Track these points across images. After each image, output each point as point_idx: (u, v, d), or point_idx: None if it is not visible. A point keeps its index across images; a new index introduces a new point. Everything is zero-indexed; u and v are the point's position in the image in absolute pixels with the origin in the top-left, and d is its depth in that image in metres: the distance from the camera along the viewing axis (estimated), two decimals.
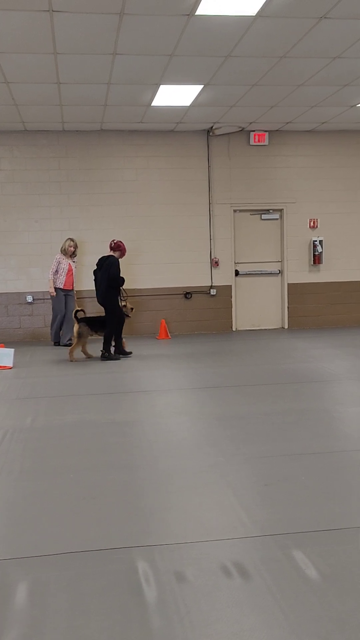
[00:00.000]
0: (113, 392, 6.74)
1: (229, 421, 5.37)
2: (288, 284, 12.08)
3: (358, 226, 12.16)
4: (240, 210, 11.89)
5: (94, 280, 9.26)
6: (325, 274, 12.12)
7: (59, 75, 8.05)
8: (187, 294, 11.74)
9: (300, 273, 12.09)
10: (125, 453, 4.58)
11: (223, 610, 2.49)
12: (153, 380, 7.35)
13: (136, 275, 11.32)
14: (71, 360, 8.82)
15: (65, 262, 10.52)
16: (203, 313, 11.82)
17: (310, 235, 12.03)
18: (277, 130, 11.69)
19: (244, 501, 3.59)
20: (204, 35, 6.83)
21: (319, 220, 12.02)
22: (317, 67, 8.03)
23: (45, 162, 11.17)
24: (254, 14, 6.30)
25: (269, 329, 12.09)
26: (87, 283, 11.39)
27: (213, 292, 11.80)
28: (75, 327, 8.93)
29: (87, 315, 9.24)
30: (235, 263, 11.93)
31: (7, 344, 10.36)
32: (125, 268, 10.11)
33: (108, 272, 8.88)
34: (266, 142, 11.65)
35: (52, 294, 10.44)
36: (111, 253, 9.18)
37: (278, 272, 12.14)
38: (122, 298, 9.25)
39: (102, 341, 8.97)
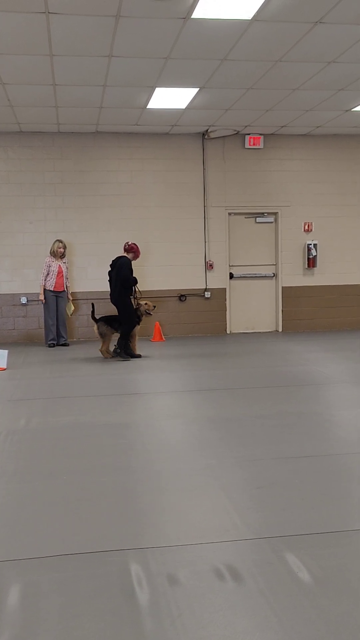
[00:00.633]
0: (107, 394, 6.73)
1: (222, 424, 5.37)
2: (282, 287, 12.11)
3: (352, 230, 12.20)
4: (235, 213, 11.91)
5: (109, 281, 9.34)
6: (319, 278, 12.16)
7: (55, 76, 8.05)
8: (182, 296, 11.75)
9: (294, 276, 12.12)
10: (119, 455, 4.57)
11: (216, 613, 2.49)
12: (147, 382, 7.35)
13: None
14: (106, 357, 9.10)
15: (55, 264, 10.53)
16: (197, 316, 11.83)
17: (305, 238, 12.06)
18: (272, 134, 11.72)
19: (237, 504, 3.59)
20: (199, 39, 6.85)
21: (313, 223, 12.06)
22: (312, 71, 8.06)
23: (40, 164, 11.17)
24: (250, 18, 6.32)
25: (263, 332, 12.10)
26: (83, 284, 11.41)
27: (207, 294, 11.82)
28: (95, 328, 9.13)
29: (103, 315, 9.31)
30: (229, 266, 11.95)
31: (1, 345, 10.35)
32: None
33: (119, 273, 8.94)
34: (261, 146, 11.68)
35: (41, 300, 10.44)
36: (124, 254, 9.25)
37: (272, 275, 12.17)
38: (135, 297, 9.31)
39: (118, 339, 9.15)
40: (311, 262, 11.97)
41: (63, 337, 10.65)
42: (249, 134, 11.58)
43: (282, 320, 12.16)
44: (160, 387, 7.09)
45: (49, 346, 10.42)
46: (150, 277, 11.50)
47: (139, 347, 9.62)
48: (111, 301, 9.25)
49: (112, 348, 9.29)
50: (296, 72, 8.10)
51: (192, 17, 6.26)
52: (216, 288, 11.88)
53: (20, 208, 11.17)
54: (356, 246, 12.24)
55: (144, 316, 9.35)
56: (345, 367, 8.00)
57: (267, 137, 11.73)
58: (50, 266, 10.49)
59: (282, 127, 11.18)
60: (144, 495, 3.79)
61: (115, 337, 9.29)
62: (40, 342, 10.80)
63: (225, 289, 11.93)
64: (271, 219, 12.03)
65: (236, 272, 12.01)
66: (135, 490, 3.86)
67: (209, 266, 11.79)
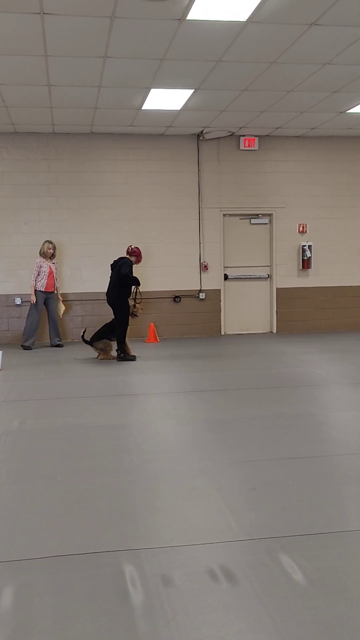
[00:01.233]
0: (102, 396, 6.72)
1: (217, 425, 5.37)
2: (277, 288, 12.12)
3: (347, 231, 12.23)
4: (230, 215, 11.92)
5: (109, 280, 9.31)
6: (313, 279, 12.18)
7: (50, 77, 8.04)
8: (176, 297, 11.75)
9: (289, 278, 12.14)
10: (114, 456, 4.56)
11: (210, 614, 2.49)
12: (142, 383, 7.34)
13: None
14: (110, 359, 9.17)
15: (46, 265, 10.51)
16: (192, 317, 11.83)
17: (299, 240, 12.08)
18: (267, 135, 11.74)
19: (231, 505, 3.59)
20: (195, 40, 6.85)
21: (308, 225, 12.08)
22: (307, 73, 8.07)
23: (35, 165, 11.15)
24: (245, 20, 6.32)
25: (257, 333, 12.11)
26: (77, 285, 11.39)
27: (202, 296, 11.82)
28: (93, 349, 9.17)
29: (94, 333, 9.33)
30: (224, 267, 11.96)
31: None
32: None
33: (119, 271, 8.92)
34: (256, 147, 11.69)
35: (32, 301, 10.41)
36: (127, 256, 9.26)
37: (267, 276, 12.18)
38: (135, 299, 9.31)
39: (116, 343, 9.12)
40: (306, 264, 11.98)
41: (57, 339, 10.63)
42: (244, 136, 11.59)
43: (277, 322, 12.17)
44: (155, 388, 7.08)
45: (25, 348, 10.33)
46: (145, 278, 11.47)
47: (134, 349, 9.61)
48: (107, 301, 9.22)
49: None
50: (291, 74, 8.12)
51: (188, 18, 6.27)
52: (211, 289, 11.88)
53: (15, 209, 11.15)
54: (351, 247, 12.27)
55: (131, 317, 9.34)
56: (339, 369, 8.02)
57: (262, 138, 11.75)
58: (41, 267, 10.47)
59: (277, 128, 11.19)
60: (139, 496, 3.78)
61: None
62: (34, 343, 10.77)
63: (220, 290, 11.93)
64: (266, 220, 12.04)
65: (231, 273, 12.01)
66: (129, 492, 3.85)
67: (203, 267, 11.79)
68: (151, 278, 11.44)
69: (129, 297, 9.17)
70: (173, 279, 11.71)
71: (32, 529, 3.34)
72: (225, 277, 11.98)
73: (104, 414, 5.90)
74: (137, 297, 9.46)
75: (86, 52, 7.17)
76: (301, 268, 12.05)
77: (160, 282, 11.62)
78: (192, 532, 3.26)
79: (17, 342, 10.87)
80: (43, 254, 10.57)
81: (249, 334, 12.08)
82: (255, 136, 11.64)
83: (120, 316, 9.02)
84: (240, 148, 11.67)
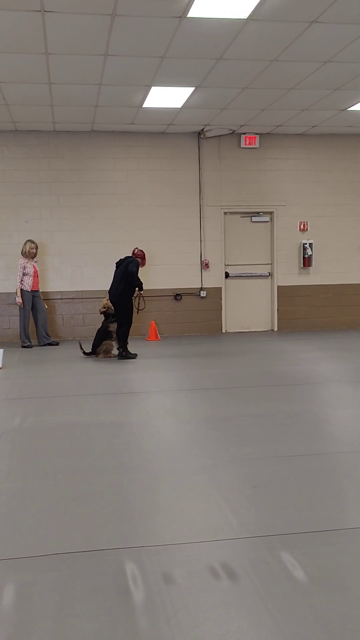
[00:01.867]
0: (102, 394, 6.73)
1: (217, 423, 5.37)
2: (278, 286, 12.12)
3: (348, 229, 12.22)
4: (231, 213, 11.91)
5: (113, 278, 9.26)
6: (314, 277, 12.17)
7: (50, 75, 8.04)
8: (177, 295, 11.75)
9: (290, 275, 12.13)
10: (114, 455, 4.57)
11: (211, 611, 2.49)
12: (142, 381, 7.34)
13: None
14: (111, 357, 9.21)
15: (30, 265, 10.51)
16: (193, 315, 11.83)
17: (300, 238, 12.07)
18: (267, 133, 11.72)
19: (232, 503, 3.60)
20: (195, 38, 6.85)
21: (308, 223, 12.07)
22: (308, 70, 8.06)
23: (35, 163, 11.15)
24: (246, 17, 6.31)
25: (258, 331, 12.11)
26: (78, 283, 11.39)
27: (203, 294, 11.82)
28: (97, 356, 9.19)
29: (93, 342, 9.38)
30: (225, 265, 11.95)
31: None
32: None
33: (127, 268, 8.92)
34: (257, 145, 11.68)
35: (19, 303, 10.39)
36: (134, 257, 9.27)
37: (268, 274, 12.18)
38: (138, 297, 9.37)
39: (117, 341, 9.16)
40: (306, 262, 11.98)
41: (48, 337, 10.61)
42: (244, 134, 11.58)
43: (278, 320, 12.17)
44: (156, 386, 7.08)
45: (28, 347, 10.38)
46: (146, 276, 11.46)
47: (134, 347, 9.61)
48: (110, 299, 9.20)
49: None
50: (292, 72, 8.11)
51: (188, 16, 6.26)
52: (212, 287, 11.88)
53: (15, 207, 11.15)
54: (351, 245, 12.26)
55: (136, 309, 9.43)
56: (340, 366, 8.02)
57: (262, 136, 11.74)
58: (25, 267, 10.46)
59: (278, 126, 11.18)
60: (139, 494, 3.79)
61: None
62: (35, 341, 10.76)
63: (220, 288, 11.93)
64: (267, 218, 12.04)
65: (232, 271, 12.01)
66: (130, 490, 3.86)
67: (204, 265, 11.79)
68: (152, 276, 11.44)
69: (133, 296, 9.17)
70: (174, 277, 11.71)
71: (33, 527, 3.35)
72: (226, 275, 11.98)
73: (105, 412, 5.91)
74: (140, 297, 9.50)
75: (87, 50, 7.16)
76: (302, 266, 12.04)
77: (161, 280, 11.62)
78: (192, 530, 3.27)
79: (18, 340, 10.87)
80: (25, 254, 10.54)
81: (250, 332, 12.08)
82: (256, 134, 11.63)
83: (124, 315, 9.01)
84: (241, 146, 11.66)
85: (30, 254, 10.55)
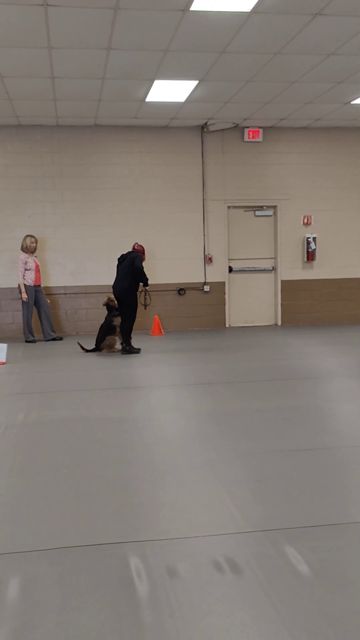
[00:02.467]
0: (106, 388, 6.74)
1: (221, 417, 5.37)
2: (281, 280, 12.11)
3: (351, 223, 12.19)
4: (234, 207, 11.89)
5: (117, 274, 9.24)
6: (318, 271, 12.15)
7: (53, 69, 8.02)
8: (181, 290, 11.74)
9: (293, 270, 12.12)
10: (118, 449, 4.58)
11: (215, 605, 2.50)
12: (146, 376, 7.35)
13: None
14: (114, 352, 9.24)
15: (31, 260, 10.51)
16: (196, 309, 11.82)
17: (304, 232, 12.05)
18: (271, 127, 11.69)
19: (236, 497, 3.60)
20: (198, 31, 6.82)
21: (312, 217, 12.04)
22: (311, 63, 8.03)
23: (38, 157, 11.14)
24: (249, 10, 6.29)
25: (262, 326, 12.10)
26: (81, 278, 11.40)
27: (206, 288, 11.81)
28: (102, 350, 9.23)
29: (96, 339, 9.39)
30: (228, 259, 11.94)
31: (0, 339, 10.34)
32: None
33: (132, 264, 8.91)
34: (260, 139, 11.65)
35: (24, 299, 10.39)
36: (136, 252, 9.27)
37: (271, 268, 12.16)
38: (144, 292, 9.38)
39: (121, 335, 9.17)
40: (310, 256, 11.96)
41: (52, 332, 10.62)
42: (248, 127, 11.54)
43: (281, 314, 12.16)
44: (159, 381, 7.09)
45: (31, 342, 10.39)
46: (149, 271, 11.46)
47: (138, 341, 9.62)
48: (114, 294, 9.19)
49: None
50: (295, 65, 8.07)
51: (191, 9, 6.23)
52: (215, 282, 11.87)
53: (18, 202, 11.15)
54: (355, 240, 12.23)
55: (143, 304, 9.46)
56: (344, 361, 8.01)
57: (266, 130, 11.70)
58: (26, 262, 10.46)
59: (282, 120, 11.14)
60: (143, 488, 3.79)
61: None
62: (39, 336, 10.78)
63: (224, 282, 11.92)
64: (270, 212, 12.01)
65: (235, 265, 12.00)
66: (134, 484, 3.86)
67: (208, 260, 11.77)
68: (156, 271, 11.44)
69: (138, 291, 9.17)
70: (177, 271, 11.70)
71: (38, 521, 3.36)
72: (230, 270, 11.97)
73: (109, 406, 5.91)
74: (146, 296, 9.53)
75: (90, 44, 7.14)
76: (305, 260, 12.02)
77: (164, 274, 11.61)
78: (196, 524, 3.27)
79: (21, 335, 10.89)
80: (26, 249, 10.54)
81: (254, 326, 12.07)
82: (260, 128, 11.59)
83: (129, 310, 9.00)
84: (245, 140, 11.63)
85: (30, 249, 10.55)
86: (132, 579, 2.72)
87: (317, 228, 12.05)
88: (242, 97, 9.56)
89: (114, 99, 9.47)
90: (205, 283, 11.82)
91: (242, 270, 12.05)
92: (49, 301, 10.82)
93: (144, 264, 9.16)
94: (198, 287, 11.82)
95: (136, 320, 9.27)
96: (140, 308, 9.51)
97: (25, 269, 10.43)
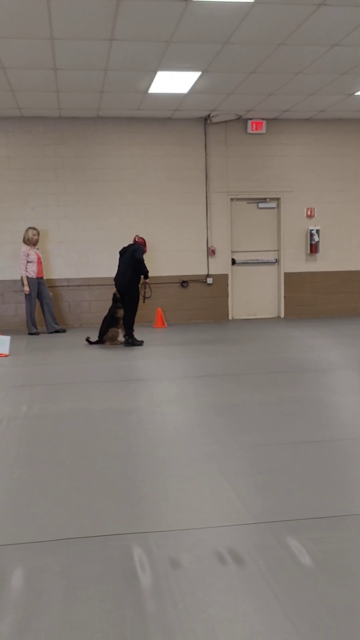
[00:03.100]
0: (109, 381, 6.75)
1: (224, 410, 5.38)
2: (284, 273, 12.09)
3: (355, 215, 12.15)
4: (237, 199, 11.86)
5: (118, 266, 9.23)
6: (321, 264, 12.13)
7: (56, 61, 7.99)
8: (184, 282, 11.74)
9: (296, 262, 12.09)
10: (121, 441, 4.59)
11: (217, 596, 2.51)
12: (149, 368, 7.36)
13: None
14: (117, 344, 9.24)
15: (33, 252, 10.50)
16: (199, 302, 11.82)
17: (307, 224, 12.02)
18: (274, 119, 11.64)
19: (238, 489, 3.61)
20: (202, 22, 6.78)
21: (315, 209, 12.01)
22: (315, 54, 7.99)
23: (41, 149, 11.12)
24: (252, 0, 6.25)
25: (265, 318, 12.10)
26: (84, 271, 11.40)
27: (209, 280, 11.80)
28: (105, 343, 9.23)
29: (99, 331, 9.39)
30: (231, 252, 11.92)
31: (3, 331, 10.36)
32: None
33: (133, 256, 8.89)
34: (263, 131, 11.60)
35: (26, 291, 10.38)
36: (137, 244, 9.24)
37: (275, 261, 12.14)
38: (145, 285, 9.37)
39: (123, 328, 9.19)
40: (313, 248, 11.93)
41: (55, 324, 10.62)
42: (251, 119, 11.50)
43: (284, 307, 12.15)
44: (162, 373, 7.10)
45: (35, 334, 10.40)
46: (152, 263, 11.46)
47: (141, 334, 9.62)
48: (116, 286, 9.18)
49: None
50: (299, 56, 8.03)
51: None
52: (218, 274, 11.86)
53: (21, 194, 11.13)
54: (359, 232, 12.19)
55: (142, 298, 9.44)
56: (347, 353, 8.00)
57: (269, 121, 11.65)
58: (28, 254, 10.45)
59: (285, 111, 11.10)
60: (146, 480, 3.80)
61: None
62: (42, 328, 10.80)
63: (227, 275, 11.91)
64: (273, 204, 11.98)
65: (238, 258, 11.98)
66: (137, 476, 3.87)
67: (211, 252, 11.76)
68: (158, 263, 11.43)
69: (139, 284, 9.16)
70: (180, 264, 11.69)
71: (41, 513, 3.37)
72: (233, 262, 11.95)
73: (112, 398, 5.93)
74: (146, 286, 9.51)
75: (92, 35, 7.11)
76: (309, 252, 12.00)
77: (167, 267, 11.60)
78: (199, 515, 3.28)
79: (24, 328, 10.91)
80: (28, 241, 10.53)
81: (257, 319, 12.07)
82: (263, 119, 11.55)
83: (130, 302, 9.01)
84: (248, 132, 11.58)
85: (32, 241, 10.54)
86: (135, 570, 2.73)
87: (320, 220, 12.02)
88: (245, 89, 9.52)
89: (117, 90, 9.44)
90: (208, 275, 11.81)
91: (245, 263, 12.03)
92: (51, 293, 10.82)
93: (145, 256, 9.15)
94: (201, 280, 11.81)
95: (139, 312, 9.27)
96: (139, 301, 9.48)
97: (28, 262, 10.43)
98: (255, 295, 12.15)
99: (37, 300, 10.58)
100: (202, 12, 6.53)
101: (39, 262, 10.56)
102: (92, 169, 11.30)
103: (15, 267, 11.03)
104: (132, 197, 11.45)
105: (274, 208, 12.01)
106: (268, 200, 11.94)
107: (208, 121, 11.41)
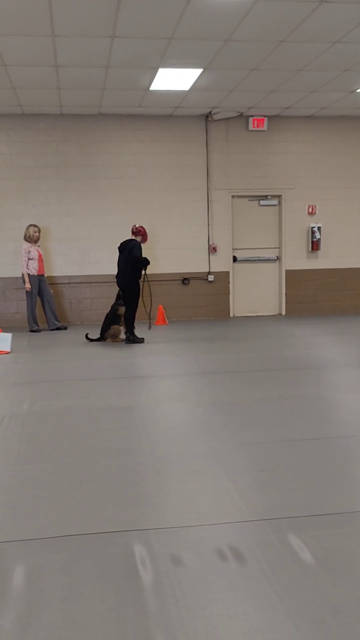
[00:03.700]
0: (110, 378, 6.75)
1: (225, 407, 5.38)
2: (286, 270, 12.08)
3: (356, 213, 12.14)
4: (239, 196, 11.85)
5: (117, 264, 9.22)
6: (323, 261, 12.12)
7: (57, 58, 7.98)
8: (185, 279, 11.74)
9: (298, 259, 12.09)
10: (122, 438, 4.59)
11: (218, 593, 2.51)
12: (150, 366, 7.36)
13: None
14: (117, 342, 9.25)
15: (34, 249, 10.49)
16: (200, 299, 11.82)
17: (309, 221, 12.01)
18: (276, 116, 11.62)
19: (240, 486, 3.61)
20: (203, 19, 6.77)
21: (317, 206, 11.99)
22: (316, 51, 7.97)
23: (42, 146, 11.11)
24: None
25: (266, 316, 12.09)
26: (86, 268, 11.40)
27: (211, 278, 11.80)
28: (106, 340, 9.25)
29: (102, 328, 9.40)
30: (233, 249, 11.92)
31: (4, 328, 10.37)
32: None
33: (131, 254, 8.88)
34: (265, 128, 11.59)
35: (27, 289, 10.37)
36: (133, 237, 9.18)
37: (276, 258, 12.13)
38: (145, 280, 9.33)
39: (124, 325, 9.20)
40: (315, 245, 11.93)
41: (56, 321, 10.62)
42: (252, 116, 11.48)
43: (286, 304, 12.14)
44: (164, 370, 7.10)
45: (36, 331, 10.40)
46: (153, 260, 11.44)
47: (142, 331, 9.62)
48: (117, 284, 9.19)
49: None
50: (300, 53, 8.01)
51: None
52: (219, 271, 11.85)
53: (22, 191, 11.13)
54: None
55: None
56: (348, 351, 8.00)
57: (271, 118, 11.64)
58: (29, 252, 10.44)
59: (287, 108, 11.08)
60: (148, 478, 3.81)
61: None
62: (44, 325, 10.81)
63: (228, 272, 11.90)
64: (275, 201, 11.97)
65: (239, 255, 11.98)
66: (138, 473, 3.88)
67: (212, 249, 11.75)
68: (159, 260, 11.43)
69: (140, 279, 9.15)
70: (181, 261, 11.69)
71: (43, 510, 3.38)
72: (234, 259, 11.95)
73: (113, 396, 5.93)
74: (145, 278, 9.46)
75: (94, 32, 7.10)
76: (310, 250, 11.99)
77: (168, 264, 11.60)
78: (200, 512, 3.29)
79: (26, 325, 10.91)
80: (29, 238, 10.52)
81: (258, 316, 12.06)
82: (265, 116, 11.53)
83: (130, 299, 9.01)
84: (249, 129, 11.57)
85: (33, 238, 10.54)
86: (137, 567, 2.73)
87: (321, 217, 12.01)
88: (246, 86, 9.50)
89: (118, 87, 9.43)
90: (209, 273, 11.81)
91: (247, 260, 12.02)
92: (52, 291, 10.82)
93: (146, 244, 9.09)
94: (202, 277, 11.80)
95: (140, 309, 9.27)
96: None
97: (29, 259, 10.42)
98: (256, 293, 12.14)
99: (38, 297, 10.59)
100: (204, 9, 6.52)
101: (40, 260, 10.56)
102: (94, 166, 11.30)
103: (16, 265, 11.04)
104: (134, 194, 11.45)
105: (275, 205, 12.00)
106: (269, 197, 11.93)
107: (209, 118, 11.40)
